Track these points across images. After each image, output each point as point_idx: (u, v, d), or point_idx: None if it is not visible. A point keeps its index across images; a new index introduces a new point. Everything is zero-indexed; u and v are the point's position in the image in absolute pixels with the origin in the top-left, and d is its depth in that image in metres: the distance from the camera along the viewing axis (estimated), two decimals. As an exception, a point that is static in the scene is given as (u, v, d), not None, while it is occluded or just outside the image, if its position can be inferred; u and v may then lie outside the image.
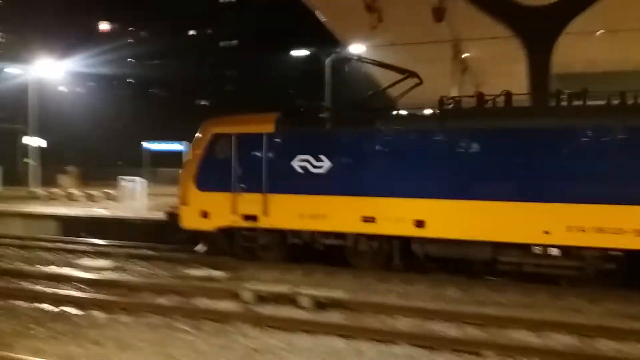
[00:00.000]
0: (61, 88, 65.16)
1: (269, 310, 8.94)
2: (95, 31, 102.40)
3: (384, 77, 30.64)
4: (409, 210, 11.17)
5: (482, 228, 10.68)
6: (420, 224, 11.09)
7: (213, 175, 12.84)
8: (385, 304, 9.20)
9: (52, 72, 35.65)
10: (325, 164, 11.85)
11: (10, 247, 15.22)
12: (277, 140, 12.38)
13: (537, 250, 10.44)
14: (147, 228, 16.93)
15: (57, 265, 12.75)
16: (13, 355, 6.45)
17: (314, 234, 12.07)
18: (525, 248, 10.54)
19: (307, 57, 36.24)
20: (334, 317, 8.62)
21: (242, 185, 12.60)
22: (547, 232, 10.26)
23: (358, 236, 11.80)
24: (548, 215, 10.25)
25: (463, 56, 25.29)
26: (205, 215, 12.83)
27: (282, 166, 12.20)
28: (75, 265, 12.62)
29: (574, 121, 10.42)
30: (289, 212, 12.11)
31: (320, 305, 8.96)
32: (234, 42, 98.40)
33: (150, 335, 7.55)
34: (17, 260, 13.56)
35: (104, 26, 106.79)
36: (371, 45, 23.64)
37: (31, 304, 9.16)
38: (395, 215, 11.26)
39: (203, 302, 9.39)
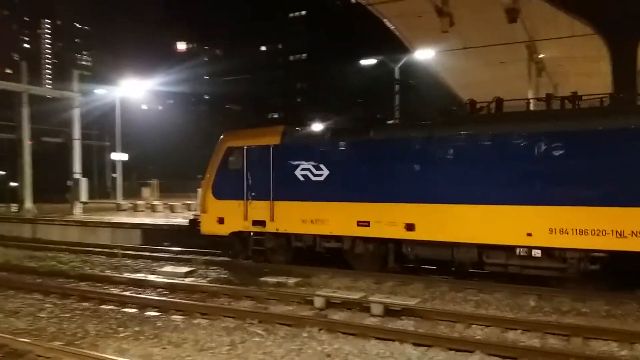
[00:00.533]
0: (143, 106, 69.06)
1: (341, 316, 8.98)
2: (172, 51, 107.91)
3: (455, 83, 30.11)
4: (399, 215, 11.68)
5: (467, 231, 10.94)
6: (410, 227, 11.53)
7: (228, 184, 13.92)
8: (461, 313, 8.96)
9: (135, 91, 37.85)
10: (324, 172, 12.59)
11: (100, 255, 16.25)
12: (283, 151, 13.25)
13: (521, 251, 10.56)
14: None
15: (141, 272, 13.48)
16: (99, 354, 6.85)
17: (315, 238, 12.80)
18: (509, 250, 10.70)
19: (375, 65, 36.12)
20: (407, 324, 8.50)
21: (252, 193, 13.58)
22: (529, 234, 10.37)
23: (354, 239, 12.39)
24: (530, 217, 10.36)
25: (539, 57, 24.24)
26: (221, 221, 13.99)
27: (286, 175, 13.10)
28: (158, 272, 13.26)
29: (552, 125, 10.44)
30: (292, 218, 12.97)
31: (393, 312, 8.88)
32: (303, 55, 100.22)
33: (227, 338, 7.76)
34: (105, 267, 14.47)
35: (180, 46, 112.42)
36: (441, 49, 23.20)
37: (117, 308, 9.72)
38: (387, 220, 11.80)
39: (277, 308, 9.58)
